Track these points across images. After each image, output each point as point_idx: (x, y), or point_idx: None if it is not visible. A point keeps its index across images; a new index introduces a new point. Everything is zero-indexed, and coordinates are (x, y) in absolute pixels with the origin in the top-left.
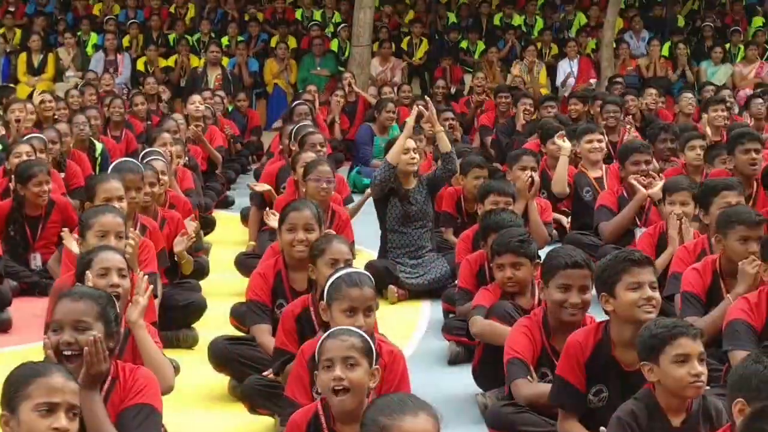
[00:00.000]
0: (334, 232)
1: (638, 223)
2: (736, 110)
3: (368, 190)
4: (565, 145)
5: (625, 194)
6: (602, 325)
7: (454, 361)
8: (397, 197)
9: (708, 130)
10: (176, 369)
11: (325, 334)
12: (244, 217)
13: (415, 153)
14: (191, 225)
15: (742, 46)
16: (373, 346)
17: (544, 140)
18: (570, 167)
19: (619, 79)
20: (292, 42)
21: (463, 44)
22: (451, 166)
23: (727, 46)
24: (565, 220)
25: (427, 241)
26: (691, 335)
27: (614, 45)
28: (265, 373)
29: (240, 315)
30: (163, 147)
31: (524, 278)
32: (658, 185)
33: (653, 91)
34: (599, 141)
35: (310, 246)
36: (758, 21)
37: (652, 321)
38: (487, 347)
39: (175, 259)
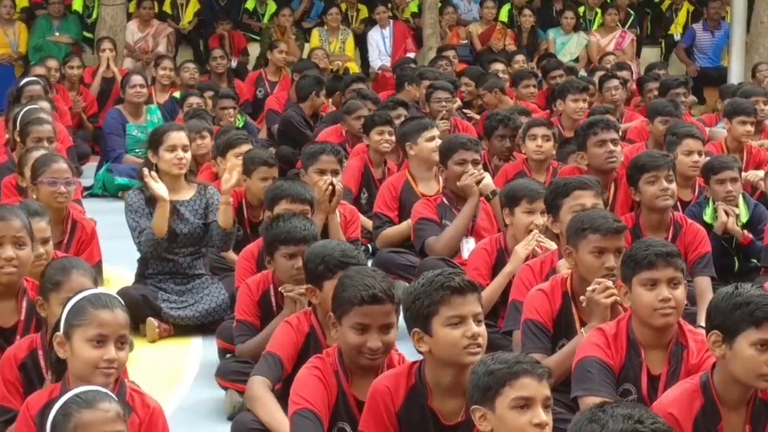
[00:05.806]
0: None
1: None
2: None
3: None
4: None
5: (445, 200)
6: (415, 367)
7: (234, 415)
8: None
9: (561, 122)
10: None
11: (74, 401)
12: None
13: (184, 151)
14: None
15: (599, 10)
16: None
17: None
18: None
19: (449, 52)
20: None
21: (249, 4)
22: (226, 246)
23: (581, 10)
24: None
25: (200, 268)
26: (536, 374)
27: (438, 7)
28: None
29: None
30: None
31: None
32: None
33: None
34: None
35: (44, 267)
36: None
37: (488, 356)
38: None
39: None
